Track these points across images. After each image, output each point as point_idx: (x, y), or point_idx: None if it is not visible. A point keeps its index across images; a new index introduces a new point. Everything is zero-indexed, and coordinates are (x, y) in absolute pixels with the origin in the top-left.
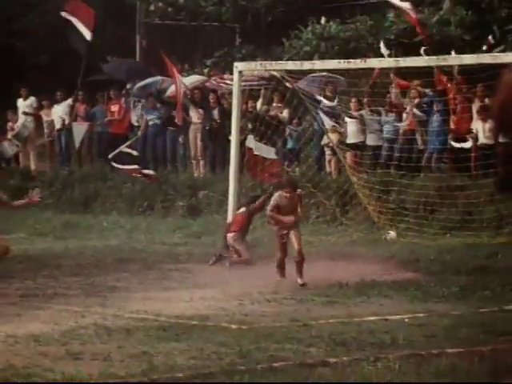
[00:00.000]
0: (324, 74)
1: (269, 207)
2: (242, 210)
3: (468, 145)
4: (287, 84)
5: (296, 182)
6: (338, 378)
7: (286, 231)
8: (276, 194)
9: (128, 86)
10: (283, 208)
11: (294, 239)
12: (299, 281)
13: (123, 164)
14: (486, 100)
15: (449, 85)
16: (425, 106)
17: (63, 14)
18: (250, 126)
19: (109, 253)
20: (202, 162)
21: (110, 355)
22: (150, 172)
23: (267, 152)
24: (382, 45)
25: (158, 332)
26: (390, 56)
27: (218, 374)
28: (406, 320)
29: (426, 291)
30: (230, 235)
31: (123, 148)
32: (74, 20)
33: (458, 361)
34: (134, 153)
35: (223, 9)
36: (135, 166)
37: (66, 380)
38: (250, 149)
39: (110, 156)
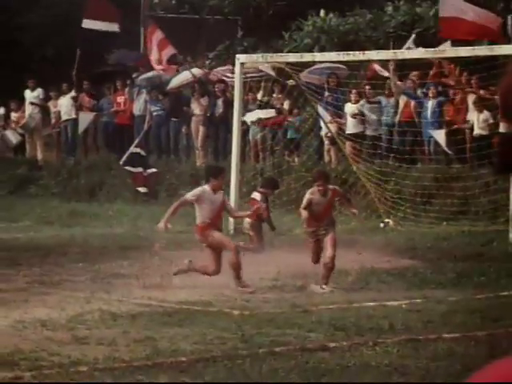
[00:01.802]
0: (328, 65)
1: (302, 206)
2: (258, 196)
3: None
4: (296, 78)
5: (328, 174)
6: (338, 362)
7: (321, 233)
8: (309, 191)
9: (134, 75)
10: (315, 205)
11: (328, 243)
12: (322, 287)
13: (134, 166)
14: (481, 91)
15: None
16: (422, 95)
17: (85, 22)
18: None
19: (114, 240)
20: (204, 152)
21: (115, 340)
22: (153, 170)
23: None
24: (412, 37)
25: (162, 317)
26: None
27: (220, 359)
28: (404, 306)
29: (423, 278)
30: (246, 220)
31: (132, 149)
32: (98, 23)
33: (455, 345)
34: (143, 152)
35: (225, 2)
36: (140, 169)
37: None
38: None
39: (121, 162)
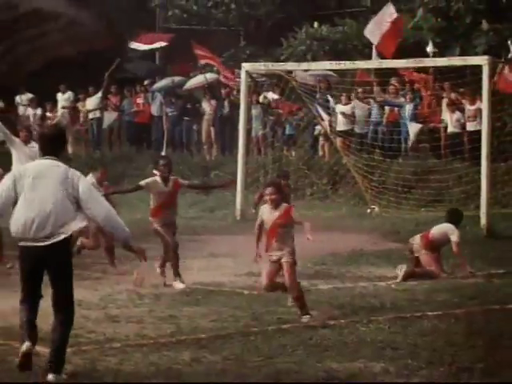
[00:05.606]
0: (320, 72)
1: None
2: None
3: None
4: (293, 82)
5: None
6: (338, 339)
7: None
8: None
9: (145, 82)
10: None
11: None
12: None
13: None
14: (453, 95)
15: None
16: (403, 99)
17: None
18: None
19: (136, 226)
20: (213, 147)
21: (142, 318)
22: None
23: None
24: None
25: (182, 297)
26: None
27: (235, 335)
28: (393, 286)
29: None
30: None
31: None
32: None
33: (438, 322)
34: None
35: (230, 15)
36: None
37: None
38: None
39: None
